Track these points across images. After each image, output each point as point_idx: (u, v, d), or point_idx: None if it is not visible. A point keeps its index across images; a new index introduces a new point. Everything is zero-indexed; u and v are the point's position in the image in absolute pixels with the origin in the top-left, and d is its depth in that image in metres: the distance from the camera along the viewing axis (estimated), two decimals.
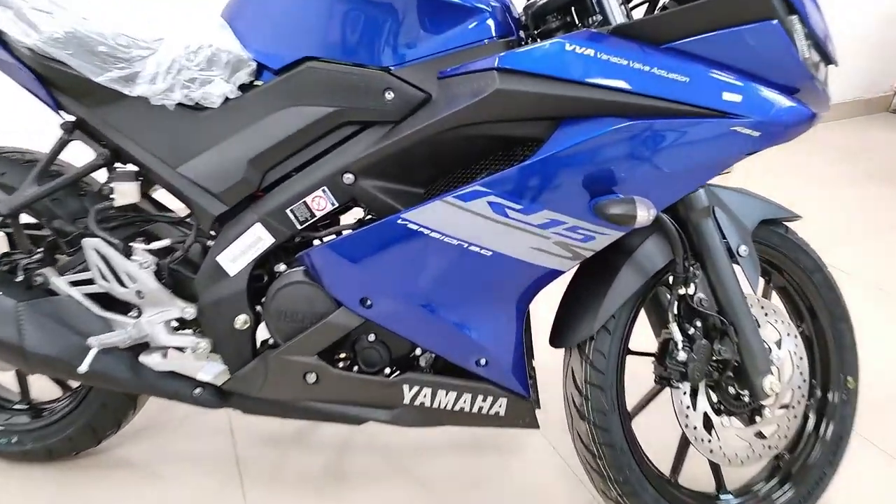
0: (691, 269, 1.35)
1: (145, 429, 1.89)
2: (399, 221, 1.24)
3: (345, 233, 1.38)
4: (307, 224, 1.35)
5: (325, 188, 1.31)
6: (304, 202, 1.33)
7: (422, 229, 1.24)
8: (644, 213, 1.10)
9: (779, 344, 1.51)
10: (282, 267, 1.40)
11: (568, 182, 1.18)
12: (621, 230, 1.25)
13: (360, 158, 1.27)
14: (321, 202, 1.33)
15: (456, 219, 1.22)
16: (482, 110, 1.17)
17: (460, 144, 1.23)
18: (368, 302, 1.32)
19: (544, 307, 1.46)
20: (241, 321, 1.40)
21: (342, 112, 1.27)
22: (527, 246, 1.24)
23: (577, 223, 1.22)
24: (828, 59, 1.25)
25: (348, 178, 1.29)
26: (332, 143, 1.31)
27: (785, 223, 1.54)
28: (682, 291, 1.37)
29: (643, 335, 1.53)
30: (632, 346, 1.45)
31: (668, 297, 1.38)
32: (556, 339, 1.42)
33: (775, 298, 1.61)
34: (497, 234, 1.23)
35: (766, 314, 1.49)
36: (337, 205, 1.32)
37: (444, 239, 1.24)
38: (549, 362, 1.71)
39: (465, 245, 1.24)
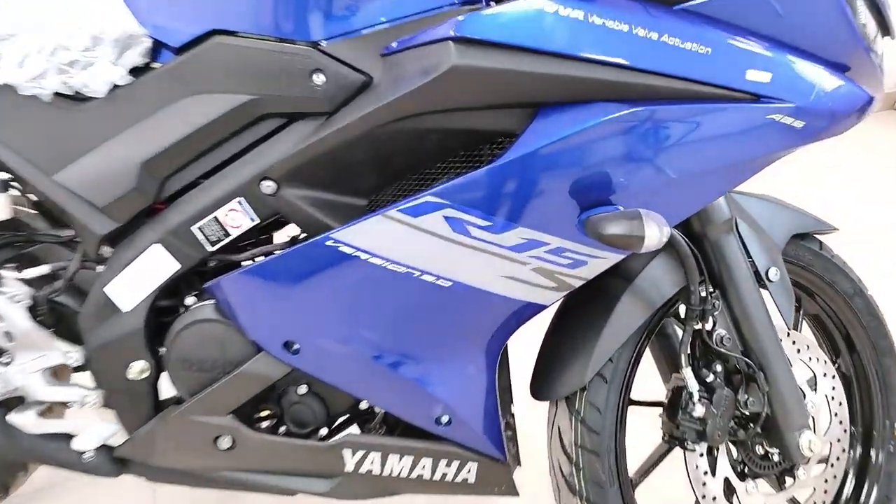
0: (710, 298, 1.07)
1: (47, 489, 1.58)
2: (328, 243, 0.94)
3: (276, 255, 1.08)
4: (221, 245, 1.05)
5: (241, 199, 1.02)
6: (215, 217, 1.04)
7: (358, 253, 0.94)
8: (654, 233, 0.81)
9: (813, 386, 1.23)
10: (191, 300, 1.10)
11: (550, 190, 0.89)
12: (622, 253, 0.96)
13: (282, 161, 0.98)
14: (237, 217, 1.04)
15: (402, 239, 0.92)
16: (434, 95, 0.87)
17: (409, 142, 0.94)
18: (295, 346, 1.03)
19: (527, 333, 1.16)
20: (137, 369, 1.10)
21: (259, 101, 0.99)
22: (496, 274, 0.95)
23: (563, 244, 0.93)
24: (886, 28, 0.97)
25: (268, 186, 0.99)
26: (249, 142, 1.02)
27: (817, 237, 1.26)
28: (697, 327, 1.08)
29: (648, 376, 1.23)
30: (634, 394, 1.16)
31: (681, 333, 1.09)
32: (538, 390, 1.13)
33: (805, 329, 1.32)
34: (457, 260, 0.93)
35: (797, 350, 1.21)
36: (257, 220, 1.04)
37: (388, 266, 0.94)
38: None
39: (416, 274, 0.95)
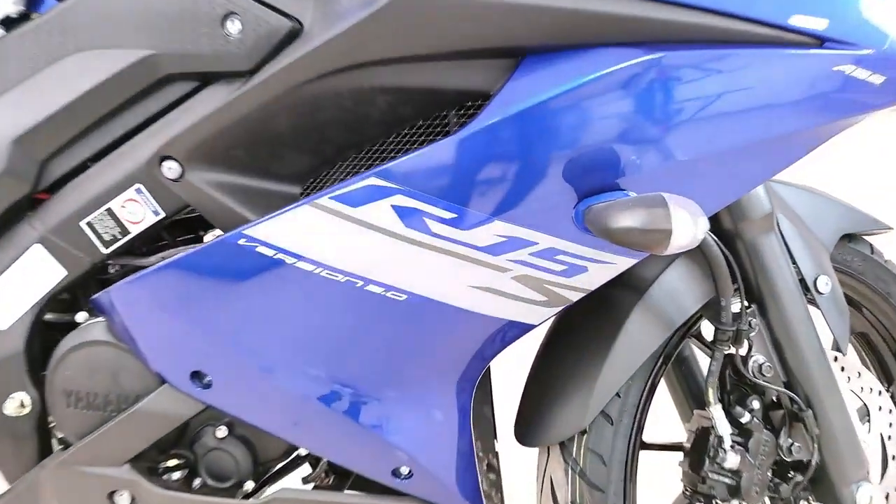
0: (745, 315, 0.83)
1: None
2: (241, 242, 0.71)
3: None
4: (118, 245, 0.82)
5: (140, 187, 0.80)
6: (109, 210, 0.82)
7: (280, 255, 0.70)
8: (686, 226, 0.57)
9: (865, 421, 0.99)
10: (83, 316, 0.87)
11: (536, 169, 0.66)
12: (636, 256, 0.72)
13: (185, 134, 0.75)
14: (136, 210, 0.81)
15: (338, 237, 0.69)
16: (377, 37, 0.64)
17: (349, 107, 0.71)
18: (206, 378, 0.79)
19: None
20: (17, 403, 0.87)
21: (159, 58, 0.78)
22: (466, 284, 0.71)
23: (556, 243, 0.69)
24: None
25: (171, 168, 0.77)
26: (150, 114, 0.81)
27: (866, 238, 1.03)
28: (729, 352, 0.84)
29: (661, 402, 0.99)
30: (647, 434, 0.92)
31: (703, 360, 0.86)
32: (524, 434, 0.89)
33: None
34: (413, 265, 0.70)
35: (847, 378, 0.98)
36: (162, 214, 0.81)
37: (321, 273, 0.70)
38: None
39: (359, 283, 0.71)
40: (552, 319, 0.89)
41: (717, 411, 0.84)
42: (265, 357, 0.76)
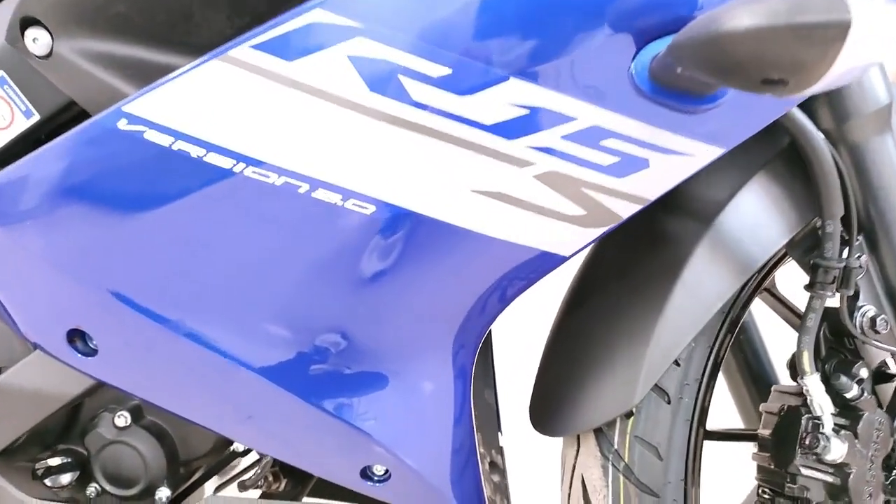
0: (852, 250, 0.60)
1: None
2: (122, 125, 0.46)
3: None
4: None
5: (4, 75, 0.59)
6: None
7: (180, 144, 0.46)
8: (877, 13, 0.32)
9: None
10: None
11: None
12: (727, 139, 0.49)
13: None
14: (1, 109, 0.60)
15: (267, 111, 0.45)
16: None
17: None
18: (93, 343, 0.55)
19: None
20: None
21: None
22: (464, 186, 0.47)
23: (605, 119, 0.45)
24: None
25: (37, 39, 0.55)
26: None
27: None
28: (831, 303, 0.61)
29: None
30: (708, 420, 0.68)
31: (807, 316, 0.62)
32: (544, 419, 0.65)
33: None
34: (385, 156, 0.46)
35: None
36: (37, 115, 0.60)
37: (244, 170, 0.46)
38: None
39: (304, 188, 0.47)
40: (589, 252, 0.66)
41: (814, 382, 0.60)
42: (169, 307, 0.52)
